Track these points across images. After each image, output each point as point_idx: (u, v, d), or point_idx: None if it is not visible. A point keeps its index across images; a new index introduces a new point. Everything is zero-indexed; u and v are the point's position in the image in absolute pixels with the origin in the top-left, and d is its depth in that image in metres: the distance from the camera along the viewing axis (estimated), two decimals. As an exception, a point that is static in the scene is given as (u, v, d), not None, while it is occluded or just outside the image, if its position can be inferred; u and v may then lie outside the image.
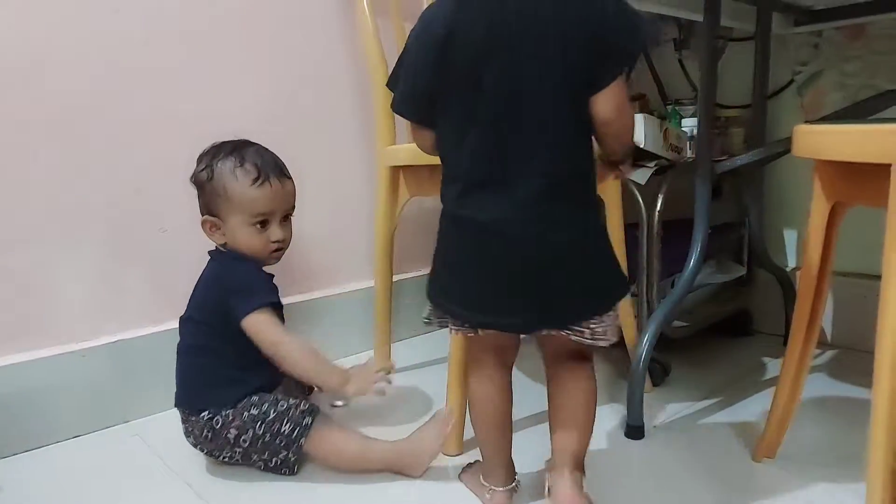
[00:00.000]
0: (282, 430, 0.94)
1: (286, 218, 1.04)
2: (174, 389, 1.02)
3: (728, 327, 1.51)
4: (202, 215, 1.01)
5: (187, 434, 1.00)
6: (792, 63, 1.42)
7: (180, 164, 1.11)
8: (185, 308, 1.02)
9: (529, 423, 1.08)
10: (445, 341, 1.05)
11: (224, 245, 1.02)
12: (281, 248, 1.03)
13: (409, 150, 1.21)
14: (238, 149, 1.00)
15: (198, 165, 1.01)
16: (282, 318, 1.01)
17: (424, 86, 0.73)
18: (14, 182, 1.07)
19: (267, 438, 0.94)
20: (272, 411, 0.95)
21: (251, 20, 1.30)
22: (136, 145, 1.19)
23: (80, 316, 1.16)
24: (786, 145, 0.80)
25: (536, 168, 0.69)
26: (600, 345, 0.74)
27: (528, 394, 1.05)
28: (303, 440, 0.94)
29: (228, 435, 0.95)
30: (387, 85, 0.81)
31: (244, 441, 0.94)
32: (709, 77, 1.10)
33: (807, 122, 1.38)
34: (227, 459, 0.98)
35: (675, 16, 1.24)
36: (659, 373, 1.25)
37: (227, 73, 1.28)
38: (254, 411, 0.95)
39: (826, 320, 1.43)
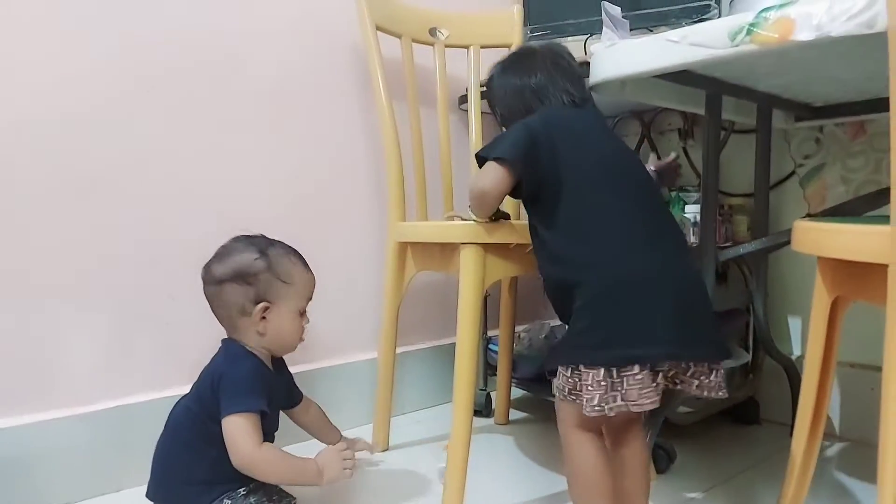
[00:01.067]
0: None
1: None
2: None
3: (735, 414, 1.49)
4: (253, 304, 0.99)
5: None
6: (795, 155, 1.47)
7: (193, 236, 1.15)
8: (190, 389, 1.02)
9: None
10: (446, 417, 1.04)
11: (260, 335, 1.01)
12: (303, 337, 1.07)
13: (419, 226, 1.24)
14: (271, 241, 1.05)
15: (238, 256, 1.00)
16: (275, 422, 1.04)
17: None
18: (25, 246, 1.10)
19: None
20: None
21: (272, 100, 1.37)
22: (151, 216, 1.22)
23: (83, 380, 1.16)
24: (788, 236, 0.82)
25: None
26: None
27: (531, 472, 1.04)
28: None
29: None
30: (496, 154, 0.94)
31: None
32: (711, 167, 1.13)
33: (808, 214, 1.41)
34: None
35: (678, 109, 1.29)
36: (664, 459, 1.23)
37: (244, 148, 1.33)
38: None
39: (834, 412, 1.41)
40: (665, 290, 0.82)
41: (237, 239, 1.04)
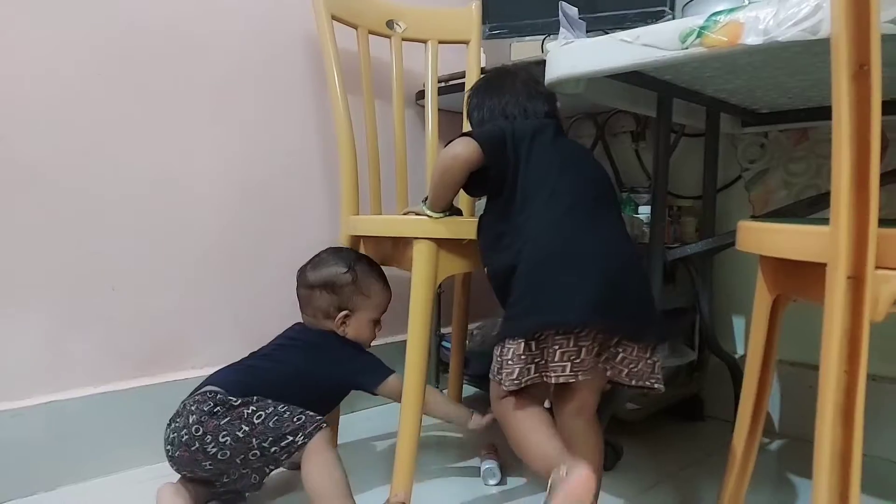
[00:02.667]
0: (295, 419, 0.98)
1: None
2: (110, 455, 0.99)
3: (680, 411, 1.52)
4: (336, 311, 1.16)
5: (188, 414, 0.99)
6: (741, 160, 1.51)
7: (139, 228, 1.11)
8: (289, 342, 1.16)
9: None
10: (397, 414, 1.04)
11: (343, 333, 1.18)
12: None
13: (372, 220, 1.23)
14: (359, 256, 1.21)
15: (330, 269, 1.17)
16: None
17: None
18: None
19: (285, 416, 0.98)
20: (294, 407, 1.01)
21: (224, 89, 1.33)
22: (96, 207, 1.18)
23: (17, 375, 1.11)
24: (733, 237, 0.84)
25: None
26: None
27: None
28: (313, 431, 0.97)
29: (245, 411, 0.98)
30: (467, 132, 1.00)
31: (258, 417, 0.98)
32: (661, 169, 1.15)
33: (753, 216, 1.45)
34: (213, 449, 0.96)
35: (631, 111, 1.31)
36: (612, 456, 1.24)
37: (194, 138, 1.30)
38: (278, 402, 1.02)
39: (774, 409, 1.45)
40: (594, 267, 0.85)
41: (330, 251, 1.21)
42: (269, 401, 1.01)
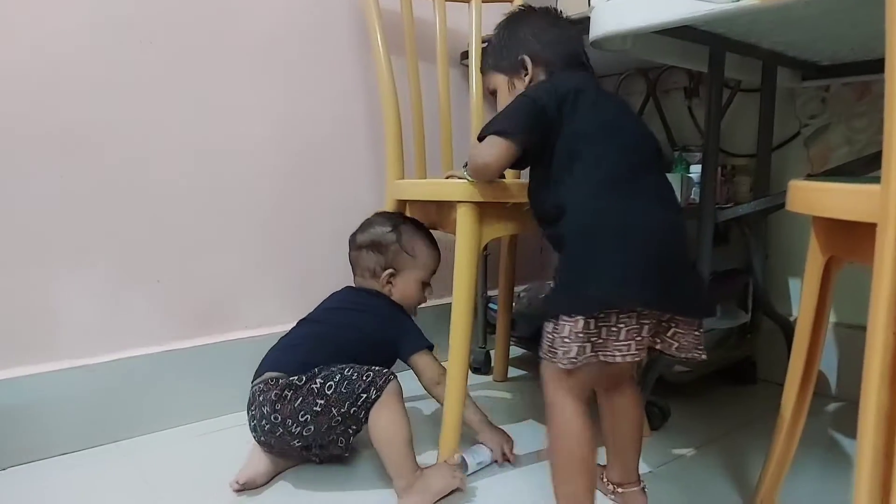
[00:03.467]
0: (364, 377, 1.00)
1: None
2: (169, 410, 1.05)
3: (732, 374, 1.50)
4: (382, 269, 1.20)
5: (260, 405, 1.01)
6: (800, 115, 1.44)
7: (188, 192, 1.15)
8: (337, 304, 1.20)
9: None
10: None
11: (387, 293, 1.21)
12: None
13: (416, 184, 1.24)
14: (406, 218, 1.24)
15: (375, 229, 1.22)
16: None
17: None
18: (23, 201, 1.10)
19: (353, 377, 0.99)
20: (358, 365, 1.03)
21: (268, 54, 1.35)
22: (149, 171, 1.22)
23: (82, 333, 1.18)
24: (784, 198, 0.81)
25: None
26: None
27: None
28: (384, 384, 0.99)
29: (314, 386, 1.00)
30: (498, 129, 0.93)
31: (329, 388, 0.99)
32: (713, 126, 1.12)
33: (809, 175, 1.39)
34: (297, 429, 0.99)
35: (682, 67, 1.27)
36: (658, 416, 1.24)
37: (240, 103, 1.32)
38: (343, 365, 1.03)
39: (831, 372, 1.42)
40: (649, 238, 0.80)
41: (378, 214, 1.25)
42: (333, 367, 1.02)
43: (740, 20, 0.93)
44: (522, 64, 0.99)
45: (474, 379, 1.56)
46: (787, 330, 1.41)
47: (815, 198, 0.69)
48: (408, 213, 1.28)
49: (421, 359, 1.15)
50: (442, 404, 1.10)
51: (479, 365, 1.61)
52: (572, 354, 0.78)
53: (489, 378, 1.58)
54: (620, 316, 0.79)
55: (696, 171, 1.46)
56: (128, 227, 1.21)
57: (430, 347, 1.16)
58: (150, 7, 1.19)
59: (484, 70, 1.08)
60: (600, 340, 0.79)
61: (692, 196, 1.35)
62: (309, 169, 1.43)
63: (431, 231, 1.24)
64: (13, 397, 1.09)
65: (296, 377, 1.01)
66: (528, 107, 0.91)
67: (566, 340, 0.79)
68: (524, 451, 1.16)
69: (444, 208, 1.14)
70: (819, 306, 0.82)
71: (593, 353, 0.79)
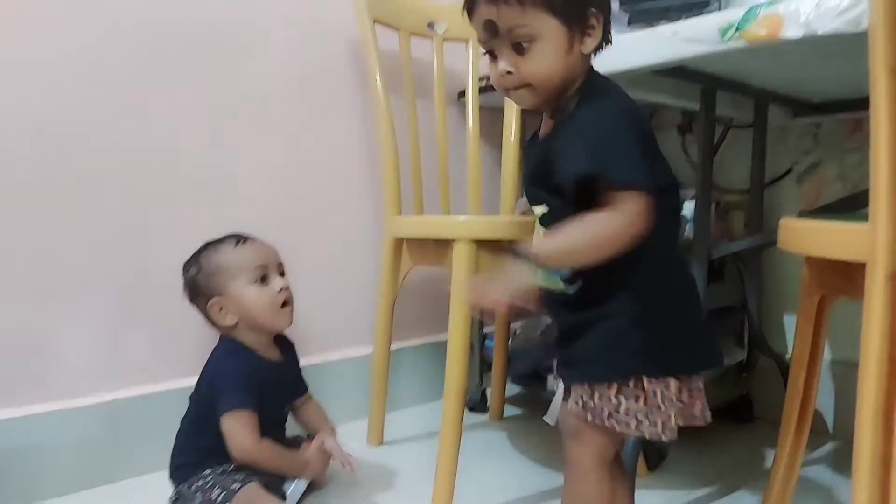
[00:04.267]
0: (214, 498, 0.97)
1: (282, 273, 1.09)
2: (165, 450, 1.04)
3: (729, 413, 1.48)
4: (206, 309, 1.06)
5: None
6: (792, 151, 1.46)
7: (189, 230, 1.17)
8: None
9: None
10: (440, 415, 1.05)
11: (235, 325, 1.06)
12: (287, 300, 1.07)
13: (414, 221, 1.25)
14: (208, 243, 1.09)
15: (186, 274, 1.09)
16: (279, 411, 1.11)
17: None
18: (22, 240, 1.10)
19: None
20: (210, 479, 1.00)
21: (269, 93, 1.37)
22: (148, 210, 1.23)
23: (78, 373, 1.17)
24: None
25: None
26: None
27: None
28: (231, 495, 0.96)
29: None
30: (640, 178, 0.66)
31: None
32: (705, 162, 1.13)
33: (802, 212, 1.40)
34: None
35: (675, 105, 1.29)
36: (654, 456, 1.23)
37: (241, 142, 1.34)
38: (199, 483, 1.00)
39: (828, 411, 1.40)
40: (696, 291, 0.77)
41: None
42: (194, 486, 1.00)
43: (730, 60, 0.95)
44: (592, 17, 0.69)
45: (470, 418, 1.54)
46: (783, 368, 1.40)
47: (805, 237, 0.69)
48: (404, 251, 1.28)
49: (225, 424, 0.99)
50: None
51: (475, 404, 1.59)
52: (674, 422, 0.70)
53: (486, 417, 1.56)
54: (696, 378, 0.73)
55: (689, 206, 1.47)
56: (126, 266, 1.21)
57: (239, 407, 1.00)
58: (150, 47, 1.21)
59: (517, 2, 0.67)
60: (683, 404, 0.72)
61: (685, 233, 1.35)
62: (309, 206, 1.44)
63: (431, 267, 1.24)
64: (8, 439, 1.08)
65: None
66: (637, 136, 0.67)
67: (662, 407, 0.69)
68: (524, 493, 1.14)
69: (442, 246, 1.14)
70: (813, 344, 0.82)
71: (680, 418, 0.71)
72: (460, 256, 1.05)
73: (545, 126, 0.77)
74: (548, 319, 1.72)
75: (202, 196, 1.29)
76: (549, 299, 0.74)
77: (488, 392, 1.58)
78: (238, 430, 0.99)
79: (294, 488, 1.06)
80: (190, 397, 1.09)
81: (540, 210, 0.76)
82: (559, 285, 0.69)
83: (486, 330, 1.63)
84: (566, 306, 0.75)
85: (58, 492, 1.13)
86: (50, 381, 1.14)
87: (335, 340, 1.50)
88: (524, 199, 1.14)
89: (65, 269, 1.14)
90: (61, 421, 1.13)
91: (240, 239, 1.08)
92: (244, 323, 1.05)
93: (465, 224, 1.04)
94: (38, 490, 1.11)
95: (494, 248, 1.07)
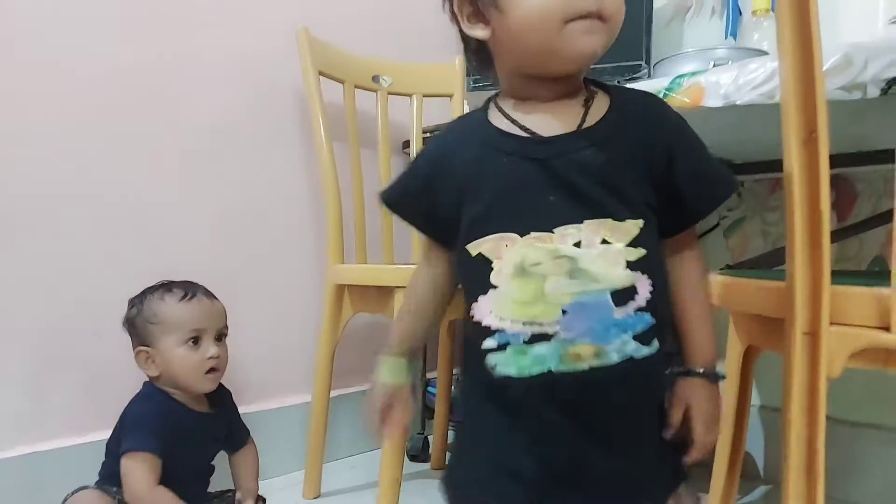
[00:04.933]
0: None
1: (220, 338, 1.06)
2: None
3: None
4: (135, 353, 1.03)
5: None
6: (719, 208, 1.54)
7: (120, 272, 1.16)
8: None
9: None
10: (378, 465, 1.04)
11: (157, 378, 1.03)
12: (216, 367, 1.04)
13: (356, 269, 1.25)
14: (165, 283, 1.06)
15: (128, 310, 1.06)
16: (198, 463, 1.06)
17: None
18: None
19: None
20: None
21: (210, 138, 1.36)
22: (77, 252, 1.19)
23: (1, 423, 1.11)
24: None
25: None
26: None
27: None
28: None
29: None
30: None
31: None
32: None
33: (727, 266, 1.48)
34: None
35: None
36: None
37: (179, 186, 1.32)
38: None
39: (758, 455, 1.46)
40: None
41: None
42: None
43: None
44: None
45: (411, 467, 1.52)
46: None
47: (729, 292, 0.73)
48: (346, 299, 1.28)
49: (124, 463, 0.95)
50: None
51: (417, 452, 1.57)
52: None
53: (427, 465, 1.55)
54: None
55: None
56: (51, 310, 1.16)
57: (141, 449, 0.96)
58: (88, 86, 1.19)
59: None
60: None
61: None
62: (247, 254, 1.42)
63: (373, 314, 1.24)
64: None
65: None
66: None
67: None
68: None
69: (384, 293, 1.15)
70: (741, 392, 0.85)
71: None
72: (403, 305, 1.05)
73: (552, 115, 0.60)
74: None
75: (135, 238, 1.26)
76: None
77: (430, 439, 1.57)
78: (134, 471, 0.95)
79: None
80: (106, 445, 1.04)
81: (571, 235, 0.57)
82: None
83: (429, 376, 1.63)
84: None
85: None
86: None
87: (273, 388, 1.47)
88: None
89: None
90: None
91: (188, 293, 1.04)
92: (166, 378, 1.03)
93: (408, 272, 1.05)
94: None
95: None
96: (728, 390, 0.86)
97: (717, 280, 0.78)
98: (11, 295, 1.12)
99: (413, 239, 1.48)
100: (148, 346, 1.02)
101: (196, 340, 1.02)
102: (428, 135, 1.58)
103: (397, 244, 1.45)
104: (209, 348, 1.02)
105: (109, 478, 1.01)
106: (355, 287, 1.26)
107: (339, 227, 1.33)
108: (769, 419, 1.43)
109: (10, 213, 1.11)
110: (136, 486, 0.94)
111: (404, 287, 1.05)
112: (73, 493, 0.95)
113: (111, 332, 1.21)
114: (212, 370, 1.03)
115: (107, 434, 1.15)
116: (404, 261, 1.50)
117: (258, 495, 1.11)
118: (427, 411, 1.61)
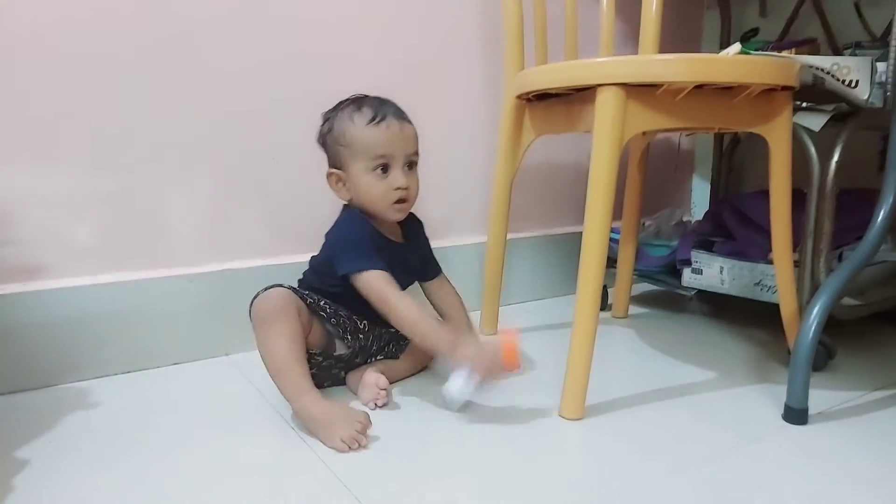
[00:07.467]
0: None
1: (411, 166, 0.97)
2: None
3: (896, 316, 1.28)
4: (327, 174, 0.98)
5: None
6: None
7: (299, 97, 1.12)
8: None
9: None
10: (558, 309, 0.91)
11: (350, 201, 0.98)
12: (404, 198, 0.95)
13: (544, 70, 1.05)
14: (357, 99, 0.97)
15: (321, 125, 0.98)
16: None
17: None
18: (131, 106, 1.04)
19: None
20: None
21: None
22: (259, 79, 1.14)
23: (191, 241, 1.12)
24: None
25: None
26: None
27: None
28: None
29: None
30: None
31: None
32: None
33: None
34: None
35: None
36: (822, 356, 1.06)
37: (349, 6, 1.21)
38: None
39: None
40: None
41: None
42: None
43: None
44: None
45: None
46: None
47: None
48: (527, 118, 1.12)
49: (363, 279, 0.91)
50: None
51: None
52: None
53: (608, 314, 1.42)
54: None
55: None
56: (237, 138, 1.13)
57: (375, 268, 0.91)
58: None
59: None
60: None
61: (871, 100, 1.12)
62: (419, 71, 1.31)
63: (558, 135, 1.07)
64: (120, 301, 1.05)
65: None
66: None
67: None
68: (654, 387, 1.00)
69: (575, 104, 0.97)
70: None
71: None
72: (606, 107, 0.86)
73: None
74: (682, 211, 1.54)
75: (310, 60, 1.18)
76: None
77: (611, 291, 1.43)
78: (379, 282, 0.90)
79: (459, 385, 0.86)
80: (309, 261, 1.03)
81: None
82: None
83: (614, 224, 1.47)
84: None
85: (174, 359, 1.10)
86: (162, 248, 1.09)
87: (446, 226, 1.38)
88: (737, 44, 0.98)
89: (173, 136, 1.08)
90: (174, 288, 1.09)
91: (378, 115, 0.93)
92: (356, 203, 0.97)
93: (610, 65, 0.85)
94: (154, 356, 1.08)
95: (647, 95, 0.87)
96: None
97: None
98: (196, 120, 1.09)
99: (602, 39, 1.25)
100: (339, 168, 0.96)
101: (385, 168, 0.94)
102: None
103: (583, 48, 1.23)
104: (397, 177, 0.94)
105: (303, 284, 1.00)
106: (537, 105, 1.09)
107: (519, 30, 1.15)
108: None
109: (193, 37, 1.07)
110: (385, 291, 0.89)
111: (608, 86, 0.85)
112: (265, 289, 0.92)
113: (291, 160, 1.17)
114: (400, 201, 0.95)
115: (291, 258, 1.15)
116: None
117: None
118: (608, 260, 1.46)
